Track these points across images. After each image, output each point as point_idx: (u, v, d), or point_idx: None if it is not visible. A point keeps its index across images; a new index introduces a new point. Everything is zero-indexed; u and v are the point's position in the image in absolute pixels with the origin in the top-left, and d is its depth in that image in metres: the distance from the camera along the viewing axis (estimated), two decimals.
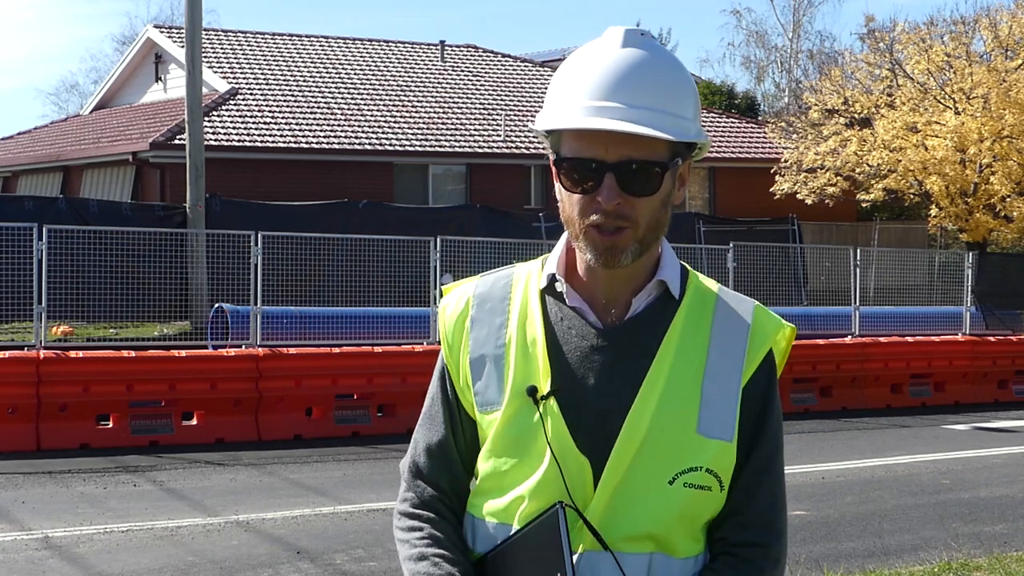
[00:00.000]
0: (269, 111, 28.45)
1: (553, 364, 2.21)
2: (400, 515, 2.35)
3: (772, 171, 30.09)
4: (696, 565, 2.21)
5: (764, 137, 33.43)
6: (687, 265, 2.32)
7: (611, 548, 2.15)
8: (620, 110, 2.13)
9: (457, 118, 30.51)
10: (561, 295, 2.28)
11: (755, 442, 2.23)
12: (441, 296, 2.35)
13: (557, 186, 2.23)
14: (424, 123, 29.74)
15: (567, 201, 2.20)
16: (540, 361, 2.22)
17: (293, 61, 31.93)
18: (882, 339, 18.83)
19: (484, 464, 2.28)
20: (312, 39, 34.12)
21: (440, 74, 33.35)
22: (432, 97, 31.48)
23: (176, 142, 25.08)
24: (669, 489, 2.16)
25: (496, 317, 2.29)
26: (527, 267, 2.35)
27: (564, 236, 2.31)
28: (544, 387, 2.19)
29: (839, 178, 28.31)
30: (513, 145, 29.66)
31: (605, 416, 2.18)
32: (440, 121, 30.11)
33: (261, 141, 26.93)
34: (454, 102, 31.48)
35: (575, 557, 2.15)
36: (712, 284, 2.30)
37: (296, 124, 28.11)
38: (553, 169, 2.23)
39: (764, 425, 2.24)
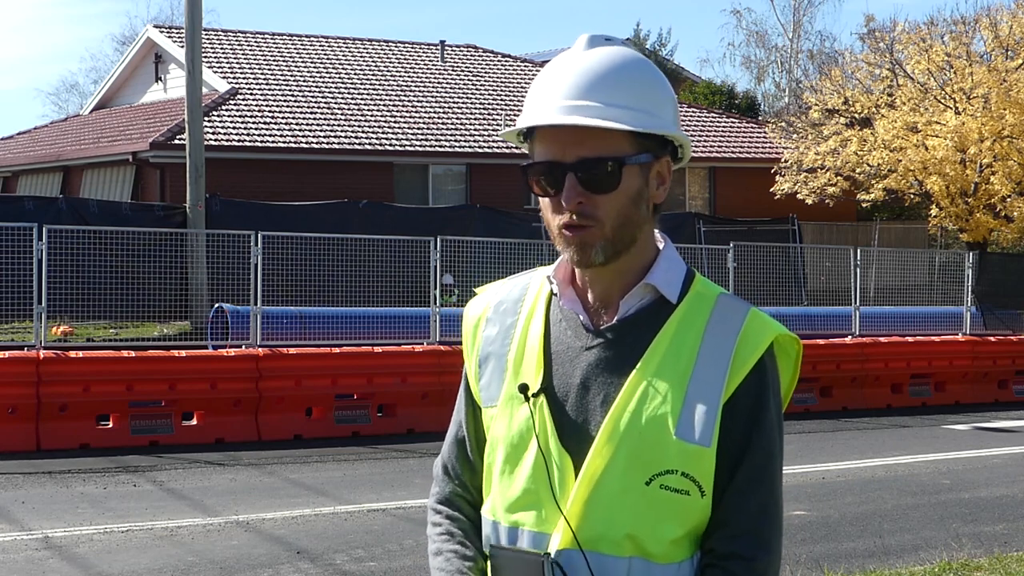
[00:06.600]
0: (269, 111, 28.44)
1: (546, 363, 2.25)
2: (429, 510, 2.43)
3: (772, 171, 30.07)
4: (680, 572, 2.19)
5: (764, 137, 33.41)
6: (696, 271, 2.33)
7: (591, 548, 2.15)
8: (574, 108, 2.15)
9: (457, 118, 30.50)
10: None
11: (745, 452, 2.21)
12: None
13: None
14: (424, 123, 29.73)
15: (542, 206, 2.24)
16: (534, 360, 2.26)
17: (293, 61, 31.92)
18: (882, 339, 18.84)
19: (484, 460, 2.33)
20: (312, 39, 34.10)
21: (440, 74, 33.34)
22: (432, 97, 31.47)
23: (176, 142, 25.06)
24: (646, 490, 2.15)
25: (508, 318, 2.34)
26: (546, 271, 2.38)
27: None
28: (535, 385, 2.23)
29: (839, 178, 28.29)
30: (513, 145, 29.55)
31: (588, 415, 2.20)
32: (440, 121, 30.10)
33: (261, 141, 26.92)
34: (454, 102, 31.47)
35: (554, 555, 2.16)
36: (715, 290, 2.30)
37: (296, 124, 28.10)
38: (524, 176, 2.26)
39: (754, 435, 2.22)
